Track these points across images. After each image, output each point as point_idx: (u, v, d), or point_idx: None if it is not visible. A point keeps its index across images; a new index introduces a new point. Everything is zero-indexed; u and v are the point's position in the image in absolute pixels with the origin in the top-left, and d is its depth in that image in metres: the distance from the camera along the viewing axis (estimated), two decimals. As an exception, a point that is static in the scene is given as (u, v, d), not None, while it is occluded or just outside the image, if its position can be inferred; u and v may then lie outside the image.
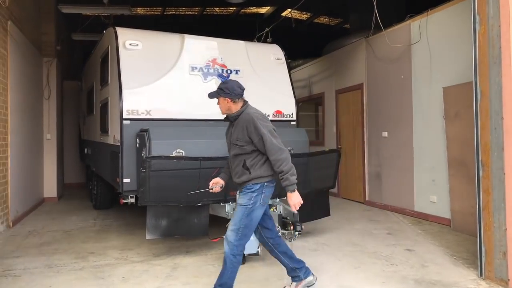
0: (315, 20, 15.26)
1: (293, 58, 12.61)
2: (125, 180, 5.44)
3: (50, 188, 9.33)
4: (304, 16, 14.98)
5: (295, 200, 3.36)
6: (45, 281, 4.15)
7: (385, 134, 7.84)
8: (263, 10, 14.42)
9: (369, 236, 5.86)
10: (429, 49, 6.71)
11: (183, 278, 4.20)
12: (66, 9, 8.39)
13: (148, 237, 4.81)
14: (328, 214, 5.93)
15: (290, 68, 11.61)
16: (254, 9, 14.30)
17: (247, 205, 3.39)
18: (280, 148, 3.32)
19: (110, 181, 6.50)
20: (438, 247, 5.22)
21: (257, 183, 3.41)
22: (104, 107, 6.60)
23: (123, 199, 5.72)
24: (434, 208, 6.65)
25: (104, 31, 6.70)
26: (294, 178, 3.31)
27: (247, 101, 3.61)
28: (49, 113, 9.29)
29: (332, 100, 9.62)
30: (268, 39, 10.50)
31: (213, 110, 5.88)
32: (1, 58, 6.26)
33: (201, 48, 6.02)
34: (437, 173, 6.57)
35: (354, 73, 8.77)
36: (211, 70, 5.96)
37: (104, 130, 6.59)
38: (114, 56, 5.76)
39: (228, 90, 3.51)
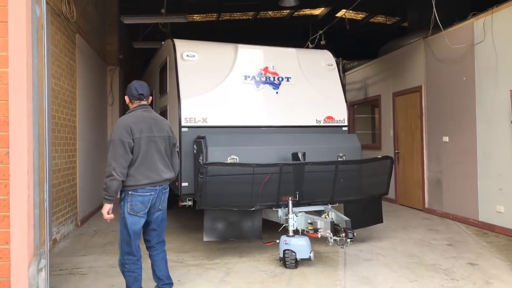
0: (371, 20, 14.85)
1: (348, 59, 12.40)
2: (183, 184, 5.69)
3: (113, 189, 9.87)
4: (360, 16, 14.63)
5: (103, 210, 3.41)
6: (108, 280, 4.42)
7: (445, 138, 7.47)
8: (317, 11, 14.28)
9: (428, 246, 5.62)
10: (495, 49, 6.30)
11: (236, 284, 4.28)
12: (128, 20, 8.86)
13: (205, 239, 5.01)
14: (381, 221, 5.79)
15: (344, 70, 11.49)
16: (307, 11, 14.20)
17: (119, 214, 3.47)
18: (109, 160, 3.31)
19: (169, 184, 6.79)
20: (505, 262, 4.89)
21: (122, 191, 3.41)
22: (163, 114, 6.90)
23: (181, 201, 5.99)
24: (501, 219, 6.23)
25: (163, 42, 6.99)
26: (105, 194, 3.31)
27: (141, 107, 3.58)
28: (113, 118, 9.85)
29: (389, 102, 9.33)
30: (321, 42, 10.40)
31: (265, 117, 6.05)
32: (70, 69, 6.74)
33: (253, 57, 6.13)
34: (505, 181, 6.15)
35: (412, 75, 8.44)
36: (263, 78, 6.04)
37: (164, 135, 6.89)
38: (172, 67, 6.02)
39: (128, 88, 3.62)
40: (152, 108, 8.17)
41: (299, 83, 6.25)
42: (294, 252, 4.69)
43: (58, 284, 4.27)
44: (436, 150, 7.76)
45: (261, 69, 6.08)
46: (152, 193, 3.47)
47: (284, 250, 4.74)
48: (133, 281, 3.53)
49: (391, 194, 9.18)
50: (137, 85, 3.62)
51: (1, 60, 2.66)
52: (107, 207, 3.39)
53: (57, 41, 6.04)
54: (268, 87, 6.07)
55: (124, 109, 11.33)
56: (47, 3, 5.53)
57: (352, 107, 11.33)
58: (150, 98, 3.74)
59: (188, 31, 14.38)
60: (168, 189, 3.70)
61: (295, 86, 6.22)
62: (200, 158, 5.33)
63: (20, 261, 2.66)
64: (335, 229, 4.63)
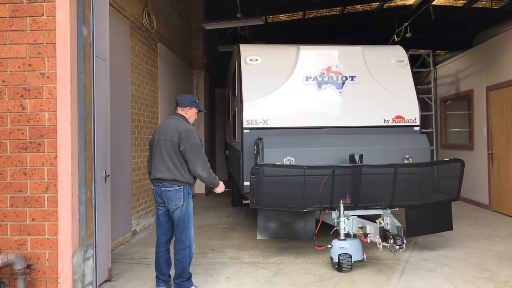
0: (473, 5, 13.40)
1: (443, 50, 11.41)
2: (245, 183, 5.89)
3: (200, 185, 10.54)
4: (460, 2, 13.32)
5: None
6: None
7: (546, 138, 6.51)
8: (410, 1, 13.37)
9: (508, 261, 5.00)
10: None
11: (280, 285, 4.33)
12: (208, 26, 9.36)
13: (258, 237, 5.17)
14: (450, 228, 5.32)
15: (435, 63, 10.62)
16: (399, 2, 13.37)
17: None
18: None
19: (237, 182, 7.09)
20: None
21: None
22: (235, 116, 7.21)
23: (244, 200, 6.22)
24: None
25: (234, 47, 7.28)
26: None
27: (172, 114, 4.31)
28: (198, 119, 10.48)
29: (482, 98, 8.40)
30: (407, 34, 9.77)
31: (327, 118, 5.94)
32: (153, 76, 7.40)
33: (316, 58, 6.09)
34: None
35: (509, 66, 7.49)
36: (326, 78, 5.95)
37: (235, 136, 7.21)
38: (239, 71, 6.26)
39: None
40: (229, 111, 8.58)
41: (365, 82, 6.01)
42: (350, 255, 4.59)
43: (124, 272, 4.78)
44: (535, 151, 6.80)
45: (323, 69, 5.98)
46: (154, 187, 4.06)
47: (340, 255, 4.64)
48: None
49: (484, 199, 8.29)
50: (178, 96, 4.35)
51: (51, 76, 3.12)
52: None
53: (137, 51, 6.67)
54: (330, 87, 5.96)
55: (212, 110, 11.99)
56: (126, 17, 6.17)
57: (444, 103, 10.44)
58: (187, 108, 4.22)
59: (273, 31, 14.61)
60: (168, 188, 3.90)
61: (361, 85, 6.00)
62: (258, 159, 5.47)
63: (65, 250, 3.10)
64: (384, 235, 4.40)
